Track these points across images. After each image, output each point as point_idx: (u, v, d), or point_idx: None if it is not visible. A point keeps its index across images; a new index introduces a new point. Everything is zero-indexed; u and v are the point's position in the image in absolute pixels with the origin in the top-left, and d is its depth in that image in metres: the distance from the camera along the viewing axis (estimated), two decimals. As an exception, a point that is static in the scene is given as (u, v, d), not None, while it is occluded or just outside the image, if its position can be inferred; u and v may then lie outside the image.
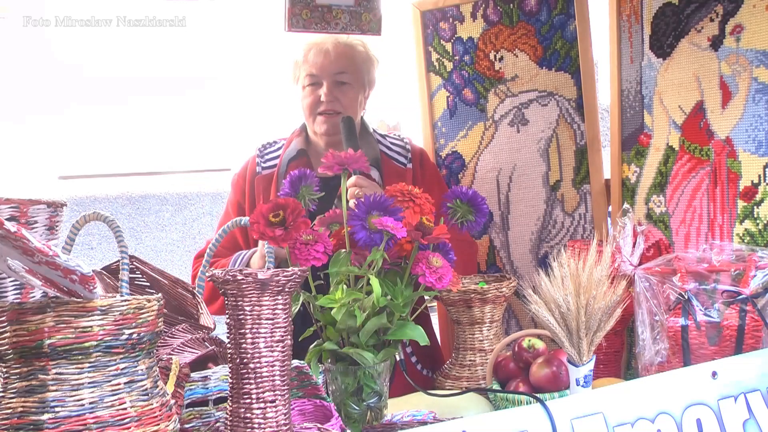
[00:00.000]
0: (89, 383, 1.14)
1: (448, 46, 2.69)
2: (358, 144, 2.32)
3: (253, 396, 1.32)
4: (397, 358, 1.86)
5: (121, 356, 1.17)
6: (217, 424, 1.51)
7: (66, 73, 6.40)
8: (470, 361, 2.02)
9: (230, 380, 1.35)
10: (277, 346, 1.33)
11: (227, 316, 1.35)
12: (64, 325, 1.13)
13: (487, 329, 2.03)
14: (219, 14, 6.86)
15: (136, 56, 6.67)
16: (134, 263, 1.88)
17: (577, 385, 1.55)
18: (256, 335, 1.32)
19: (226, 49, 7.02)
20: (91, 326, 1.14)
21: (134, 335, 1.18)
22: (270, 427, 1.32)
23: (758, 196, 2.09)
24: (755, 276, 1.82)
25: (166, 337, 1.70)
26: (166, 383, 1.37)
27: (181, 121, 6.99)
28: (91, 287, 1.15)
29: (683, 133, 2.23)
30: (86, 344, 1.14)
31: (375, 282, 1.55)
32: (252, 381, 1.32)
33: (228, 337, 1.36)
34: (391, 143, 2.51)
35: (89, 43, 6.46)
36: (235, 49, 7.04)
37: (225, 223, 2.16)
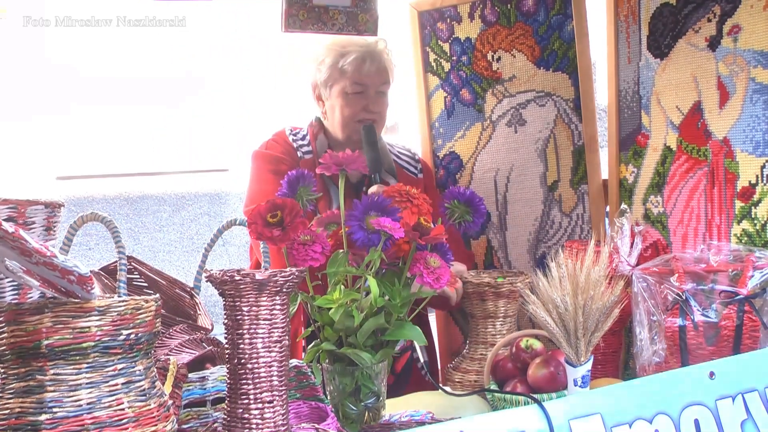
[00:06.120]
0: (87, 384, 1.14)
1: (446, 47, 2.69)
2: (379, 152, 2.30)
3: (251, 396, 1.32)
4: (420, 360, 1.86)
5: (119, 357, 1.17)
6: (215, 425, 1.51)
7: (65, 73, 6.40)
8: (481, 354, 2.04)
9: (228, 381, 1.35)
10: (274, 347, 1.33)
11: (225, 316, 1.35)
12: (62, 326, 1.13)
13: (501, 324, 2.05)
14: (219, 14, 6.86)
15: (136, 56, 6.67)
16: (132, 264, 1.88)
17: (575, 385, 1.55)
18: (254, 336, 1.32)
19: (226, 49, 7.02)
20: (88, 327, 1.14)
21: (132, 336, 1.18)
22: (268, 427, 1.32)
23: (756, 197, 2.09)
24: (753, 276, 1.82)
25: (164, 338, 1.70)
26: (163, 384, 1.37)
27: (179, 121, 6.99)
28: (89, 288, 1.15)
29: (681, 133, 2.24)
30: (84, 345, 1.14)
31: (373, 282, 1.55)
32: (250, 381, 1.32)
33: (226, 338, 1.36)
34: (399, 152, 2.53)
35: (89, 43, 6.46)
36: (234, 50, 7.04)
37: (262, 191, 2.24)
